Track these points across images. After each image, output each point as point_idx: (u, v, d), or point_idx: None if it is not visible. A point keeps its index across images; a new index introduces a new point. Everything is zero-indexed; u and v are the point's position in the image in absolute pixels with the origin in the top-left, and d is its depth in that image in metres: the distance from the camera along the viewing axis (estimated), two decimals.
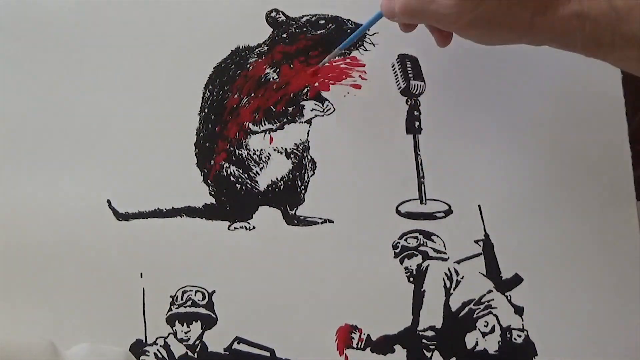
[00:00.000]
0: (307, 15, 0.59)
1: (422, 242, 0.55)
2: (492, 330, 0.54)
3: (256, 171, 0.57)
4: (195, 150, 0.57)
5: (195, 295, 0.54)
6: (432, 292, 0.55)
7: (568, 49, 0.46)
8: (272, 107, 0.57)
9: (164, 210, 0.55)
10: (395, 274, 0.55)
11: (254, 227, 0.55)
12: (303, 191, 0.56)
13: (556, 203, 0.56)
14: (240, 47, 0.58)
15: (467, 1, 0.44)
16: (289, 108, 0.57)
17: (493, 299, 0.54)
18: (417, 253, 0.55)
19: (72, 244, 0.55)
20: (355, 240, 0.55)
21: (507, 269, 0.55)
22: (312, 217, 0.56)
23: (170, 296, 0.54)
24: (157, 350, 0.53)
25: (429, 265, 0.55)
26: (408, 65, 0.58)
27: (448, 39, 0.51)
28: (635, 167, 0.56)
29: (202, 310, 0.54)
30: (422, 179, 0.56)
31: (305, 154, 0.57)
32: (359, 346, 0.53)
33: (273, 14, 0.59)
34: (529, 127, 0.56)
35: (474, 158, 0.56)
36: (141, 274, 0.54)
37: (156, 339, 0.54)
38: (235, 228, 0.55)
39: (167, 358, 0.53)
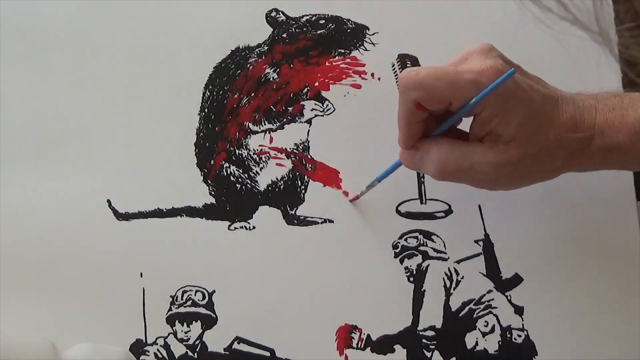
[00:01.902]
0: (307, 15, 0.59)
1: (422, 242, 0.55)
2: (492, 330, 0.54)
3: (256, 171, 0.57)
4: (195, 150, 0.57)
5: (195, 295, 0.54)
6: (432, 292, 0.55)
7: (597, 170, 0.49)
8: (272, 107, 0.57)
9: (164, 210, 0.55)
10: (395, 274, 0.55)
11: (254, 227, 0.55)
12: (303, 191, 0.56)
13: (556, 203, 0.56)
14: (240, 47, 0.58)
15: (506, 166, 0.45)
16: (289, 108, 0.57)
17: (493, 299, 0.54)
18: (417, 253, 0.55)
19: (72, 243, 0.55)
20: (355, 240, 0.55)
21: (507, 269, 0.55)
22: (312, 217, 0.56)
23: (170, 296, 0.54)
24: (157, 350, 0.53)
25: (429, 265, 0.55)
26: (408, 65, 0.57)
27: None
28: None
29: (202, 310, 0.54)
30: (422, 179, 0.56)
31: (305, 154, 0.57)
32: (359, 346, 0.53)
33: (273, 14, 0.59)
34: None
35: None
36: (141, 274, 0.54)
37: (156, 339, 0.54)
38: (235, 228, 0.55)
39: (167, 358, 0.53)
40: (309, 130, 0.57)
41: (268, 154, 0.57)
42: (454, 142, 0.47)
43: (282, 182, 0.57)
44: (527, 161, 0.45)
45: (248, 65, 0.58)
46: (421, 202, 0.56)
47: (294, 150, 0.57)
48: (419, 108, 0.45)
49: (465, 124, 0.48)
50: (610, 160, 0.47)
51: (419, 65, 0.58)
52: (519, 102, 0.44)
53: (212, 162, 0.57)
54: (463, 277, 0.55)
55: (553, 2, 0.32)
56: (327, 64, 0.58)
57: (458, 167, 0.46)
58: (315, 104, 0.57)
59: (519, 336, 0.54)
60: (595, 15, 0.32)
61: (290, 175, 0.57)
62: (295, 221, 0.56)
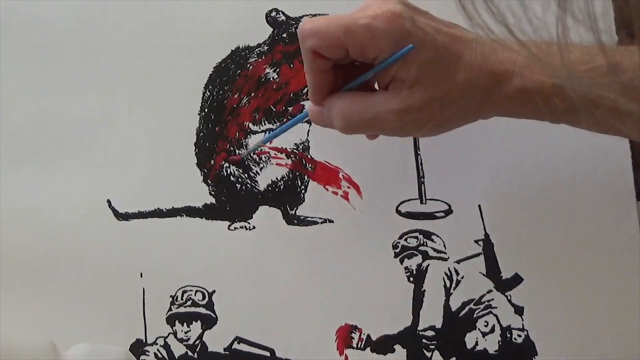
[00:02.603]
0: (307, 15, 0.58)
1: (422, 241, 0.55)
2: (492, 330, 0.54)
3: (256, 171, 0.57)
4: (195, 150, 0.57)
5: (195, 295, 0.54)
6: (432, 292, 0.55)
7: (519, 117, 0.47)
8: (272, 107, 0.57)
9: (164, 210, 0.55)
10: (395, 274, 0.55)
11: (254, 227, 0.56)
12: (303, 191, 0.56)
13: (556, 203, 0.56)
14: (240, 47, 0.58)
15: (410, 113, 0.44)
16: (289, 108, 0.57)
17: (493, 299, 0.54)
18: (417, 253, 0.55)
19: (72, 243, 0.55)
20: (355, 240, 0.55)
21: (507, 269, 0.55)
22: (312, 217, 0.56)
23: (170, 296, 0.54)
24: (157, 350, 0.53)
25: (429, 265, 0.55)
26: None
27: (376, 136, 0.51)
28: (635, 167, 0.56)
29: (202, 310, 0.54)
30: (422, 179, 0.56)
31: (305, 154, 0.57)
32: (359, 346, 0.53)
33: (273, 14, 0.58)
34: (529, 127, 0.56)
35: (474, 158, 0.56)
36: (141, 274, 0.54)
37: (156, 339, 0.54)
38: (235, 228, 0.55)
39: (167, 358, 0.53)
40: (309, 130, 0.57)
41: (268, 154, 0.57)
42: (358, 93, 0.46)
43: (282, 182, 0.57)
44: (434, 105, 0.44)
45: (248, 65, 0.58)
46: (421, 202, 0.56)
47: (294, 150, 0.57)
48: (318, 57, 0.45)
49: None
50: (529, 105, 0.45)
51: None
52: (419, 44, 0.43)
53: (212, 162, 0.57)
54: (463, 277, 0.55)
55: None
56: None
57: (361, 118, 0.45)
58: None
59: (519, 336, 0.54)
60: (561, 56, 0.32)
61: (290, 175, 0.57)
62: (295, 221, 0.56)
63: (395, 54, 0.43)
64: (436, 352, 0.53)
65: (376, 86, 0.48)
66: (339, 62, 0.46)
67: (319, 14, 0.58)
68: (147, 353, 0.53)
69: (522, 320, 0.54)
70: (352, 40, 0.43)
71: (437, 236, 0.56)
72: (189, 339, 0.54)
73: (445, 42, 0.44)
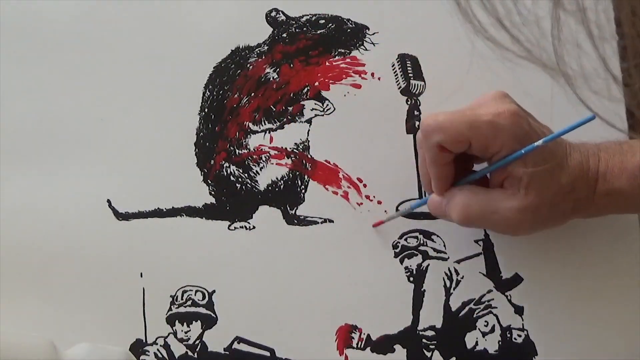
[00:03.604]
0: (307, 15, 0.58)
1: (422, 241, 0.55)
2: (492, 330, 0.54)
3: (256, 171, 0.57)
4: (195, 150, 0.57)
5: (195, 295, 0.54)
6: (432, 292, 0.55)
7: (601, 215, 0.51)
8: (272, 106, 0.57)
9: (164, 210, 0.55)
10: (395, 274, 0.55)
11: (254, 227, 0.55)
12: (303, 191, 0.56)
13: None
14: (240, 47, 0.58)
15: (528, 210, 0.46)
16: (289, 108, 0.57)
17: (493, 299, 0.54)
18: (417, 253, 0.55)
19: (72, 243, 0.55)
20: (355, 240, 0.55)
21: (507, 269, 0.55)
22: (312, 217, 0.56)
23: (170, 296, 0.54)
24: (157, 350, 0.53)
25: (429, 265, 0.55)
26: (408, 65, 0.58)
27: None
28: None
29: (202, 310, 0.54)
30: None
31: (305, 154, 0.57)
32: (359, 346, 0.53)
33: (273, 14, 0.58)
34: None
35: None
36: (141, 274, 0.54)
37: (156, 339, 0.54)
38: (235, 228, 0.55)
39: (167, 358, 0.53)
40: (309, 130, 0.57)
41: (268, 154, 0.57)
42: (477, 188, 0.49)
43: (282, 182, 0.57)
44: (544, 205, 0.46)
45: (248, 65, 0.58)
46: None
47: (294, 150, 0.57)
48: (442, 150, 0.47)
49: None
50: (613, 204, 0.48)
51: (419, 66, 0.58)
52: (532, 143, 0.46)
53: (212, 162, 0.57)
54: (463, 277, 0.55)
55: (507, 37, 0.32)
56: (327, 63, 0.58)
57: (481, 212, 0.48)
58: (316, 104, 0.57)
59: (519, 336, 0.54)
60: (554, 50, 0.32)
61: (290, 175, 0.57)
62: (295, 221, 0.56)
63: (516, 151, 0.46)
64: (436, 352, 0.53)
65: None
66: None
67: (319, 14, 0.58)
68: (147, 353, 0.53)
69: (522, 320, 0.54)
70: (477, 135, 0.46)
71: (437, 236, 0.56)
72: (189, 338, 0.54)
73: (551, 145, 0.47)
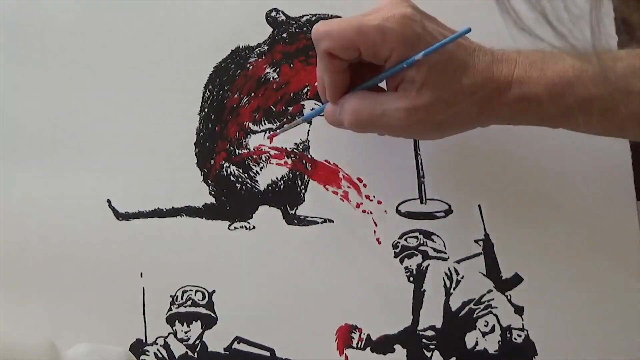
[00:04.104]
0: (307, 15, 0.58)
1: (422, 241, 0.55)
2: (492, 330, 0.54)
3: (256, 171, 0.57)
4: (195, 150, 0.57)
5: (195, 294, 0.54)
6: (432, 292, 0.55)
7: (518, 124, 0.50)
8: (272, 106, 0.57)
9: (164, 210, 0.55)
10: (395, 274, 0.55)
11: (254, 227, 0.56)
12: (303, 191, 0.56)
13: (556, 203, 0.56)
14: (240, 47, 0.58)
15: (418, 110, 0.45)
16: (289, 108, 0.57)
17: (493, 299, 0.55)
18: (417, 253, 0.55)
19: (72, 243, 0.55)
20: (355, 240, 0.55)
21: (507, 269, 0.55)
22: (312, 217, 0.56)
23: (170, 296, 0.54)
24: (157, 349, 0.53)
25: (429, 265, 0.55)
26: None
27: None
28: (635, 167, 0.56)
29: (202, 310, 0.54)
30: (422, 179, 0.56)
31: (305, 154, 0.57)
32: (359, 346, 0.53)
33: (273, 14, 0.58)
34: (528, 127, 0.56)
35: (474, 158, 0.56)
36: (141, 274, 0.54)
37: (156, 339, 0.54)
38: (235, 228, 0.55)
39: (167, 358, 0.53)
40: (309, 130, 0.57)
41: (268, 154, 0.57)
42: (369, 92, 0.48)
43: (282, 181, 0.57)
44: (439, 106, 0.45)
45: (248, 65, 0.58)
46: (421, 202, 0.56)
47: (294, 150, 0.57)
48: (333, 58, 0.46)
49: None
50: (528, 112, 0.47)
51: None
52: (428, 47, 0.44)
53: (212, 162, 0.57)
54: (463, 277, 0.55)
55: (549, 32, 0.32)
56: None
57: (370, 114, 0.47)
58: (315, 104, 0.57)
59: (519, 336, 0.54)
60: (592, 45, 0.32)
61: (290, 175, 0.57)
62: (295, 221, 0.56)
63: (408, 57, 0.44)
64: (436, 352, 0.53)
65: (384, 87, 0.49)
66: (353, 62, 0.48)
67: (319, 14, 0.58)
68: (147, 353, 0.53)
69: (522, 320, 0.54)
70: (365, 41, 0.45)
71: (437, 236, 0.56)
72: (189, 338, 0.54)
73: (452, 48, 0.45)
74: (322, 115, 0.52)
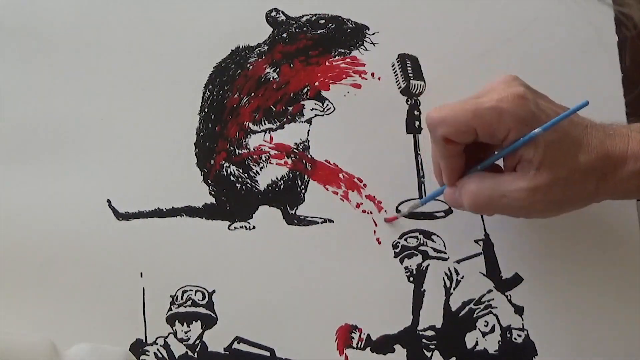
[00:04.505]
0: (307, 15, 0.59)
1: (422, 241, 0.55)
2: (492, 330, 0.54)
3: (256, 171, 0.57)
4: (195, 150, 0.57)
5: (195, 295, 0.54)
6: (432, 292, 0.55)
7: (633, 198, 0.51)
8: (272, 106, 0.57)
9: (164, 210, 0.55)
10: (395, 274, 0.55)
11: (254, 227, 0.55)
12: (303, 191, 0.56)
13: None
14: (240, 47, 0.58)
15: (539, 190, 0.46)
16: (289, 107, 0.57)
17: (493, 299, 0.55)
18: (417, 253, 0.55)
19: (72, 243, 0.55)
20: (355, 240, 0.55)
21: (507, 269, 0.55)
22: (312, 217, 0.56)
23: (170, 296, 0.54)
24: (157, 349, 0.53)
25: (429, 265, 0.55)
26: (408, 65, 0.58)
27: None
28: None
29: (202, 310, 0.54)
30: (422, 179, 0.56)
31: (305, 154, 0.57)
32: (359, 346, 0.53)
33: (273, 14, 0.59)
34: None
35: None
36: (141, 274, 0.54)
37: (156, 339, 0.54)
38: (235, 228, 0.55)
39: (167, 358, 0.53)
40: (309, 130, 0.57)
41: (268, 154, 0.57)
42: (486, 174, 0.48)
43: (282, 181, 0.57)
44: (558, 185, 0.46)
45: (248, 65, 0.58)
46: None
47: (294, 150, 0.57)
48: (449, 143, 0.47)
49: None
50: None
51: (419, 66, 0.58)
52: (543, 124, 0.45)
53: (212, 162, 0.57)
54: (463, 277, 0.55)
55: None
56: (327, 63, 0.58)
57: (490, 197, 0.47)
58: (315, 104, 0.57)
59: (519, 336, 0.54)
60: None
61: (290, 175, 0.57)
62: (295, 221, 0.56)
63: (524, 136, 0.45)
64: (436, 352, 0.53)
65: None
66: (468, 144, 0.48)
67: (319, 14, 0.58)
68: (147, 353, 0.53)
69: (522, 320, 0.54)
70: (481, 123, 0.45)
71: (437, 236, 0.56)
72: (189, 338, 0.54)
73: (566, 126, 0.46)
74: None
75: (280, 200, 0.56)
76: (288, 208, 0.56)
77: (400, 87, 0.58)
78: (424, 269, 0.55)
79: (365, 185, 0.56)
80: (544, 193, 0.46)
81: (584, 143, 0.46)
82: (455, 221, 0.56)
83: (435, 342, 0.54)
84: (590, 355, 0.53)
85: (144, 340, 0.53)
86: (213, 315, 0.54)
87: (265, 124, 0.57)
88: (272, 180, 0.57)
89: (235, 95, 0.57)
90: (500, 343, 0.54)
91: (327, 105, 0.58)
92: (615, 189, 0.47)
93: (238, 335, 0.54)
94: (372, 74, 0.58)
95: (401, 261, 0.55)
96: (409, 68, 0.58)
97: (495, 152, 0.48)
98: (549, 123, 0.45)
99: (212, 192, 0.56)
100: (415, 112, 0.57)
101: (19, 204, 0.55)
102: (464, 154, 0.49)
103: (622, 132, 0.47)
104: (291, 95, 0.58)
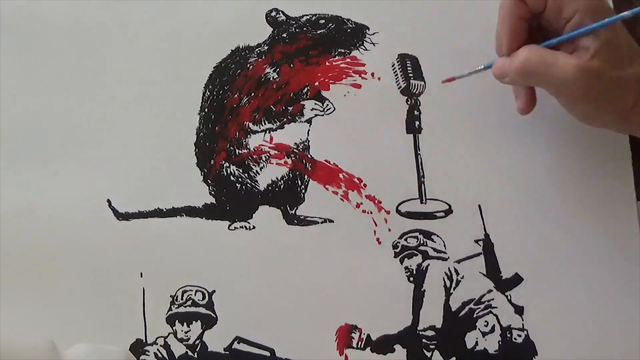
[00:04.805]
0: (307, 15, 0.58)
1: (422, 241, 0.55)
2: (492, 329, 0.54)
3: (256, 171, 0.57)
4: (195, 150, 0.57)
5: (195, 295, 0.54)
6: (432, 292, 0.55)
7: None
8: (272, 106, 0.57)
9: (164, 210, 0.55)
10: (395, 274, 0.55)
11: (254, 227, 0.56)
12: (303, 191, 0.56)
13: (556, 203, 0.56)
14: (240, 47, 0.58)
15: (588, 71, 0.46)
16: (289, 107, 0.57)
17: (493, 299, 0.54)
18: (417, 253, 0.55)
19: (72, 243, 0.55)
20: (355, 240, 0.55)
21: (507, 269, 0.55)
22: (312, 217, 0.56)
23: (170, 296, 0.54)
24: (157, 349, 0.53)
25: (429, 265, 0.55)
26: (408, 65, 0.58)
27: (532, 106, 0.53)
28: (635, 167, 0.56)
29: (202, 310, 0.54)
30: (422, 179, 0.56)
31: (305, 154, 0.57)
32: (359, 346, 0.53)
33: (273, 14, 0.58)
34: (529, 126, 0.56)
35: (474, 158, 0.56)
36: (141, 274, 0.54)
37: (156, 339, 0.54)
38: (235, 228, 0.55)
39: (167, 358, 0.53)
40: (309, 130, 0.57)
41: (268, 154, 0.57)
42: (542, 48, 0.49)
43: (282, 181, 0.57)
44: (603, 81, 0.46)
45: (248, 65, 0.58)
46: (421, 202, 0.56)
47: (294, 150, 0.57)
48: (520, 1, 0.49)
49: None
50: None
51: (419, 66, 0.58)
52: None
53: (212, 162, 0.57)
54: (463, 277, 0.55)
55: None
56: (327, 63, 0.58)
57: (540, 62, 0.48)
58: (315, 104, 0.57)
59: (519, 336, 0.54)
60: None
61: (290, 175, 0.57)
62: (295, 221, 0.56)
63: (587, 24, 0.46)
64: (436, 352, 0.53)
65: None
66: (532, 22, 0.50)
67: (319, 14, 0.58)
68: (147, 353, 0.53)
69: (522, 320, 0.54)
70: None
71: (437, 236, 0.56)
72: (189, 338, 0.54)
73: (626, 39, 0.48)
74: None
75: (280, 200, 0.56)
76: (288, 208, 0.56)
77: (400, 87, 0.58)
78: (424, 269, 0.55)
79: (365, 185, 0.56)
80: (590, 78, 0.46)
81: (636, 58, 0.47)
82: (455, 221, 0.56)
83: (435, 342, 0.53)
84: (590, 355, 0.53)
85: (144, 340, 0.53)
86: (213, 315, 0.54)
87: (265, 124, 0.57)
88: (272, 180, 0.57)
89: (235, 95, 0.57)
90: (500, 343, 0.54)
91: (327, 105, 0.57)
92: None
93: (238, 335, 0.54)
94: (372, 74, 0.58)
95: (401, 261, 0.55)
96: (409, 68, 0.58)
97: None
98: (613, 18, 0.46)
99: (212, 192, 0.56)
100: (415, 112, 0.57)
101: (19, 204, 0.55)
102: (527, 31, 0.49)
103: None
104: (291, 95, 0.58)
